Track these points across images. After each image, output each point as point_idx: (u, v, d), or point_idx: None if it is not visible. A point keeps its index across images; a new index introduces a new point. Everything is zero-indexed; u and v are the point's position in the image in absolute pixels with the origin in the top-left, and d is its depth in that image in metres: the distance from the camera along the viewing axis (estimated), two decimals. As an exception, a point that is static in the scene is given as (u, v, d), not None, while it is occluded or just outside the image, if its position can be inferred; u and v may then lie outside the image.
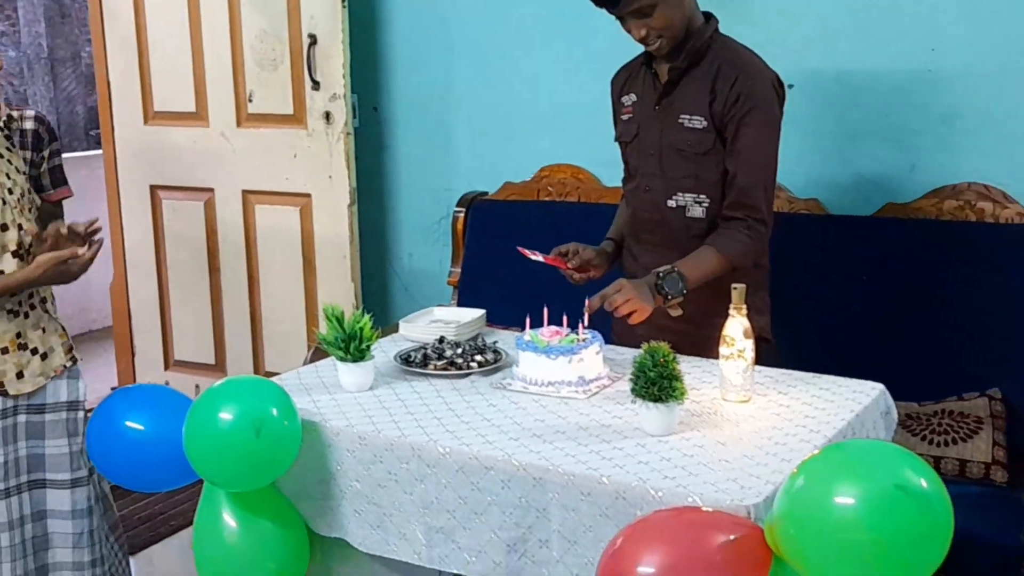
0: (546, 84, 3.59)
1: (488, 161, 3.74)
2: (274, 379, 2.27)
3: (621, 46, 3.36)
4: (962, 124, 2.98)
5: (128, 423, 2.05)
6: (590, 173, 3.53)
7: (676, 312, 2.25)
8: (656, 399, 1.88)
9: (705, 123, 2.36)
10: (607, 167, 3.49)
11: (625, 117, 2.52)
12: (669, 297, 2.23)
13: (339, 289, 3.79)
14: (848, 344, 2.97)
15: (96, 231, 2.32)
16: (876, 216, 3.08)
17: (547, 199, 3.59)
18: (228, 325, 4.04)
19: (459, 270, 3.71)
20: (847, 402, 2.06)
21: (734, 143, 2.34)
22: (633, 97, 2.51)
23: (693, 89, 2.38)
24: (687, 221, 2.42)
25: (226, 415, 1.93)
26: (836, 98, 3.10)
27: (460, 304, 3.65)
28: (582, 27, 3.47)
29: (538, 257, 2.43)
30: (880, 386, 2.15)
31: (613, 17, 3.36)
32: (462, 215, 3.71)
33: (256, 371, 4.01)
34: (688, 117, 2.37)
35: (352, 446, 2.00)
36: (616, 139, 2.58)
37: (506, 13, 3.61)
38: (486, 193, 3.72)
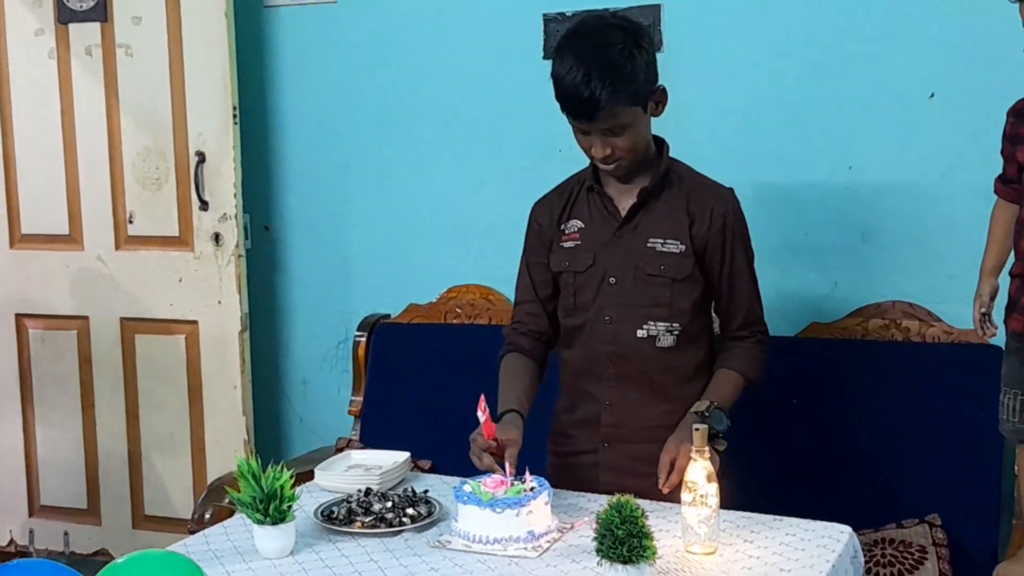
0: (451, 200, 3.44)
1: (390, 282, 3.54)
2: (178, 545, 1.99)
3: (530, 160, 3.30)
4: (882, 241, 2.95)
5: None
6: (500, 294, 3.37)
7: (722, 445, 2.14)
8: (625, 560, 1.68)
9: (683, 247, 2.24)
10: (517, 289, 3.35)
11: (569, 244, 2.32)
12: (720, 436, 2.12)
13: (228, 423, 3.52)
14: (780, 471, 2.85)
15: None
16: (801, 336, 3.00)
17: (455, 322, 3.40)
18: (103, 465, 3.70)
19: (361, 399, 3.47)
20: (820, 550, 1.90)
21: (730, 265, 2.28)
22: (579, 224, 2.33)
23: (664, 212, 2.25)
24: (656, 352, 2.26)
25: (131, 601, 1.64)
26: (755, 214, 3.02)
27: (363, 435, 3.41)
28: (489, 140, 3.36)
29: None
30: (848, 529, 2.01)
31: (522, 127, 3.34)
32: (363, 339, 3.48)
33: (135, 517, 3.68)
34: (661, 241, 2.24)
35: (276, 625, 1.74)
36: (555, 270, 2.36)
37: (407, 125, 3.47)
38: (389, 316, 3.52)
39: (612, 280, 2.27)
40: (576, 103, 2.13)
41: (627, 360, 2.27)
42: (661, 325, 2.25)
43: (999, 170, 2.78)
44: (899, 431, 2.79)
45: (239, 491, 1.93)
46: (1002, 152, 2.43)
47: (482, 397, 2.13)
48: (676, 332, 2.26)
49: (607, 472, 2.28)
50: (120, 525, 3.68)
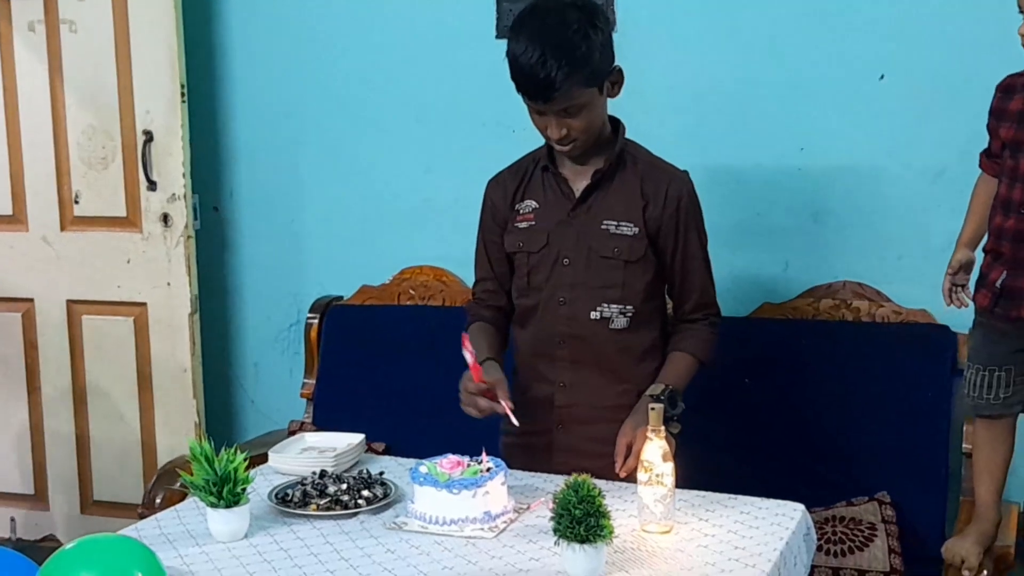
0: (404, 180, 3.41)
1: (342, 263, 3.51)
2: (130, 529, 1.97)
3: (482, 139, 3.28)
4: (833, 222, 2.98)
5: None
6: (454, 275, 3.35)
7: (676, 428, 2.12)
8: (582, 540, 1.68)
9: (636, 229, 2.23)
10: (472, 269, 3.32)
11: (524, 225, 2.32)
12: (674, 419, 2.11)
13: (179, 406, 3.47)
14: (732, 450, 2.87)
15: None
16: (753, 316, 3.02)
17: (409, 303, 3.38)
18: (50, 450, 3.63)
19: (313, 381, 3.44)
20: (774, 527, 1.92)
21: (684, 248, 2.28)
22: (533, 204, 2.32)
23: (618, 194, 2.25)
24: (610, 334, 2.26)
25: (83, 586, 1.61)
26: (707, 196, 3.03)
27: (316, 418, 3.39)
28: (443, 118, 3.33)
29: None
30: (801, 507, 2.03)
31: (475, 106, 3.32)
32: (316, 322, 3.45)
33: (84, 502, 3.62)
34: (615, 223, 2.23)
35: (230, 609, 1.72)
36: (509, 250, 2.35)
37: (359, 104, 3.43)
38: (341, 298, 3.49)
39: (566, 261, 2.27)
40: (532, 84, 2.12)
41: (581, 341, 2.27)
42: (614, 307, 2.25)
43: (948, 152, 2.84)
44: (849, 410, 2.82)
45: (192, 474, 1.90)
46: (987, 127, 2.41)
47: (465, 336, 2.14)
48: (629, 314, 2.26)
49: (561, 453, 2.28)
50: (68, 510, 3.62)
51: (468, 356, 2.11)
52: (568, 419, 2.30)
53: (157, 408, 3.51)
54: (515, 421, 2.12)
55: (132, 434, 3.54)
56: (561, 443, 2.30)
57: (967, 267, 2.46)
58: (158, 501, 2.84)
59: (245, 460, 1.90)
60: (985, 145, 2.44)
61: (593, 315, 2.25)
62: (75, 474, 3.62)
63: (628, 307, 2.25)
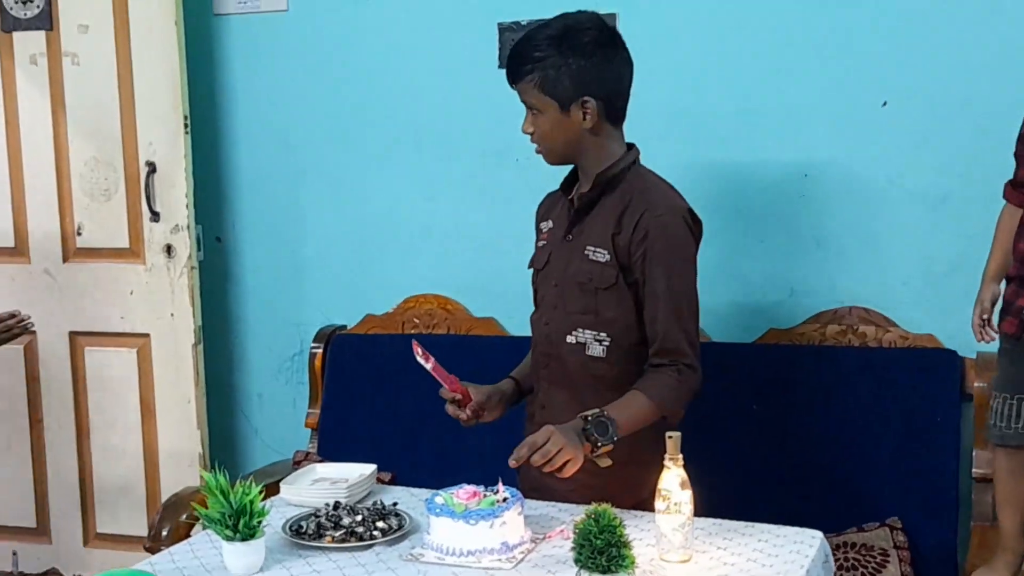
0: (406, 207, 3.40)
1: (346, 292, 3.50)
2: (144, 564, 1.95)
3: (485, 168, 3.29)
4: (836, 247, 2.98)
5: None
6: (458, 303, 3.35)
7: (605, 463, 2.04)
8: (604, 570, 1.68)
9: (608, 257, 2.21)
10: (477, 296, 3.34)
11: (541, 244, 2.40)
12: (599, 445, 2.02)
13: (183, 437, 3.44)
14: (741, 476, 2.86)
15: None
16: (759, 342, 3.02)
17: (413, 331, 3.37)
18: (52, 484, 3.60)
19: (317, 411, 3.43)
20: (793, 555, 1.91)
21: (647, 285, 2.19)
22: (550, 224, 2.38)
23: (601, 220, 2.24)
24: (585, 359, 2.25)
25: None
26: (710, 222, 3.03)
27: (321, 448, 3.37)
28: (444, 148, 3.33)
29: (428, 363, 2.18)
30: (819, 534, 2.02)
31: (478, 135, 3.33)
32: (319, 351, 3.44)
33: (86, 535, 3.58)
34: (593, 249, 2.23)
35: (248, 645, 1.70)
36: (529, 265, 2.43)
37: (361, 133, 3.42)
38: (345, 327, 3.48)
39: (555, 283, 2.30)
40: (509, 56, 2.26)
41: (558, 363, 2.29)
42: (589, 333, 2.24)
43: (950, 177, 2.85)
44: (858, 435, 2.82)
45: (205, 506, 1.89)
46: (1015, 154, 2.40)
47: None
48: (605, 343, 2.23)
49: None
50: (71, 543, 3.59)
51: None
52: None
53: (160, 440, 3.48)
54: (422, 359, 2.17)
55: (135, 466, 3.51)
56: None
57: (995, 301, 2.46)
58: (164, 533, 2.82)
59: (261, 492, 1.89)
60: (1003, 174, 2.44)
61: (569, 339, 2.26)
62: (78, 507, 3.58)
63: (603, 335, 2.22)
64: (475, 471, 2.15)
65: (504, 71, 2.30)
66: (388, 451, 3.24)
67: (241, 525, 1.85)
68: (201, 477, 1.91)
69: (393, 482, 3.18)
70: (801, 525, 2.37)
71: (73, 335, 3.54)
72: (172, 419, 3.46)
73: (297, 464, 3.29)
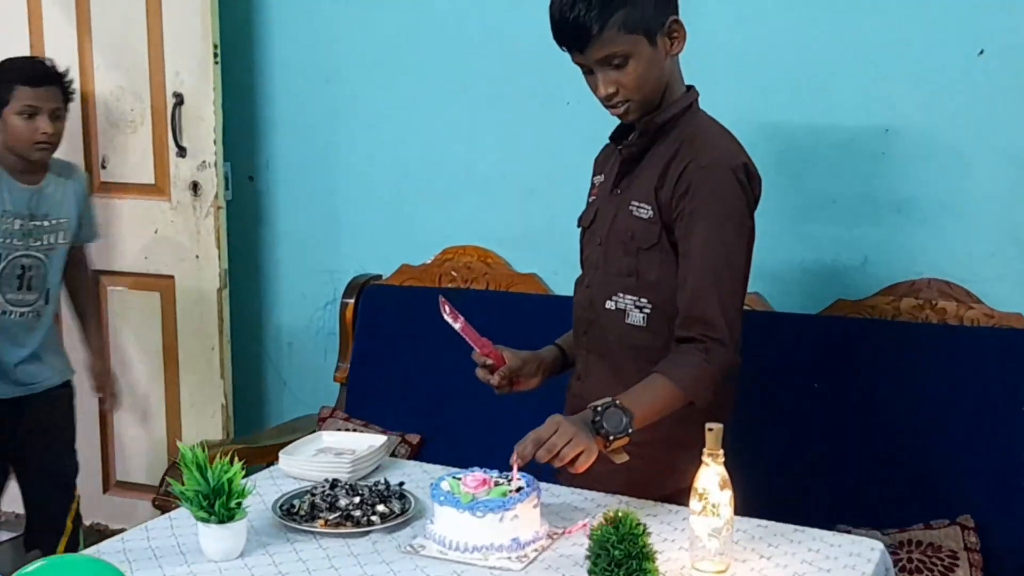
0: (448, 153, 3.17)
1: (381, 240, 3.29)
2: (115, 540, 1.76)
3: (533, 111, 3.03)
4: (918, 213, 2.68)
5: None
6: (500, 257, 3.12)
7: (621, 458, 1.77)
8: (622, 585, 1.44)
9: (651, 212, 1.94)
10: (519, 250, 3.10)
11: (591, 199, 2.14)
12: (611, 438, 1.75)
13: (206, 386, 3.30)
14: (796, 462, 2.63)
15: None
16: (825, 314, 2.75)
17: (451, 285, 3.15)
18: (72, 428, 3.47)
19: (347, 365, 3.24)
20: (847, 570, 1.66)
21: (685, 242, 1.91)
22: (601, 178, 2.12)
23: (648, 172, 1.97)
24: (626, 328, 1.99)
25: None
26: (774, 179, 2.75)
27: (349, 404, 3.18)
28: (490, 88, 3.09)
29: (457, 323, 1.98)
30: (880, 546, 1.76)
31: (526, 75, 3.06)
32: (351, 302, 3.24)
33: (106, 483, 3.49)
34: (637, 204, 1.96)
35: (216, 642, 1.51)
36: (577, 223, 2.17)
37: (401, 72, 3.20)
38: (380, 277, 3.27)
39: (599, 242, 2.05)
40: (562, 26, 1.90)
41: (597, 330, 2.04)
42: (629, 298, 1.97)
43: (1052, 137, 2.53)
44: (930, 422, 2.56)
45: (183, 481, 1.69)
46: None
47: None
48: (646, 310, 1.96)
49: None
50: (90, 490, 3.45)
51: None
52: (574, 412, 1.99)
53: (183, 387, 3.35)
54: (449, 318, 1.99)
55: (157, 413, 3.39)
56: None
57: None
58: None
59: (242, 470, 1.68)
60: None
61: (608, 304, 2.00)
62: (98, 453, 3.47)
63: (643, 300, 1.96)
64: (509, 440, 1.91)
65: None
66: (419, 412, 3.06)
67: (218, 506, 1.64)
68: (179, 449, 1.71)
69: (421, 444, 2.99)
70: (861, 519, 2.14)
71: (95, 274, 3.38)
72: (195, 366, 3.32)
73: (322, 421, 3.12)
